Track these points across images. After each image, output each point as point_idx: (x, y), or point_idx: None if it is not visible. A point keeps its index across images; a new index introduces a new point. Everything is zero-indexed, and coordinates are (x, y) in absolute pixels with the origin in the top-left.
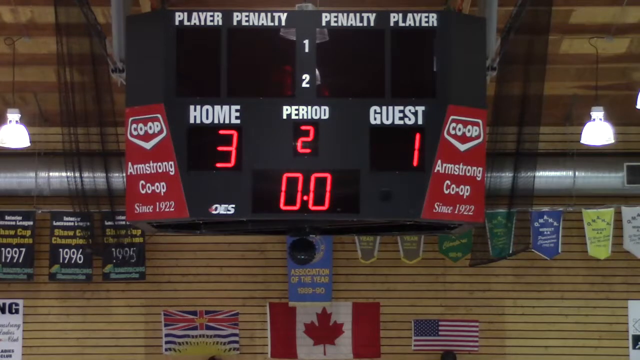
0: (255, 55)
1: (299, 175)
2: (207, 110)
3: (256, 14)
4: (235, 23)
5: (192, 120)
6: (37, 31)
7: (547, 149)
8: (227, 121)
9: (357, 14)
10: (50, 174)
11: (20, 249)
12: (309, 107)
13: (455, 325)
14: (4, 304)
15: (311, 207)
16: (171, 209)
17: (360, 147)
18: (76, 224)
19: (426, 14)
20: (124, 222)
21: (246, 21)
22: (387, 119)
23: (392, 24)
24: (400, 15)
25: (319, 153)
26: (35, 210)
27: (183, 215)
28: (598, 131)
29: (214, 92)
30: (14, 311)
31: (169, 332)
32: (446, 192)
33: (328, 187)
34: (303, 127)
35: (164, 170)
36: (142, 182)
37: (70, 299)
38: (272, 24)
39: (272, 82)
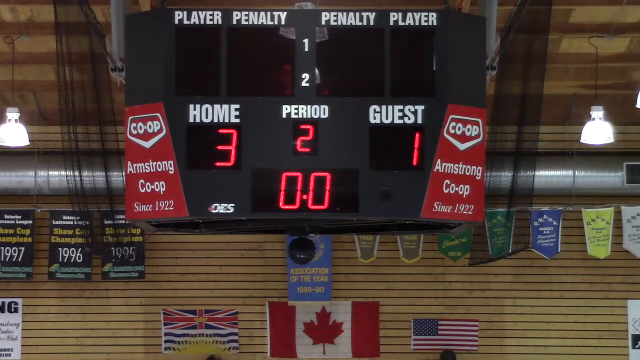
0: (255, 54)
1: (299, 175)
2: (206, 109)
3: (256, 13)
4: (234, 22)
5: (191, 119)
6: (37, 30)
7: (547, 148)
8: (226, 120)
9: (357, 13)
10: (50, 172)
11: (20, 247)
12: (309, 106)
13: (455, 325)
14: (3, 303)
15: (310, 206)
16: (170, 208)
17: (360, 146)
18: (75, 223)
19: (426, 13)
20: (123, 221)
21: (246, 20)
22: (387, 118)
23: (391, 23)
24: (400, 14)
25: (318, 152)
26: (35, 209)
27: (182, 214)
28: (598, 130)
29: (214, 91)
30: (13, 310)
31: (168, 331)
32: (446, 191)
33: (327, 186)
34: (302, 126)
35: (164, 169)
36: (141, 181)
37: (69, 298)
38: (271, 23)
39: (272, 81)
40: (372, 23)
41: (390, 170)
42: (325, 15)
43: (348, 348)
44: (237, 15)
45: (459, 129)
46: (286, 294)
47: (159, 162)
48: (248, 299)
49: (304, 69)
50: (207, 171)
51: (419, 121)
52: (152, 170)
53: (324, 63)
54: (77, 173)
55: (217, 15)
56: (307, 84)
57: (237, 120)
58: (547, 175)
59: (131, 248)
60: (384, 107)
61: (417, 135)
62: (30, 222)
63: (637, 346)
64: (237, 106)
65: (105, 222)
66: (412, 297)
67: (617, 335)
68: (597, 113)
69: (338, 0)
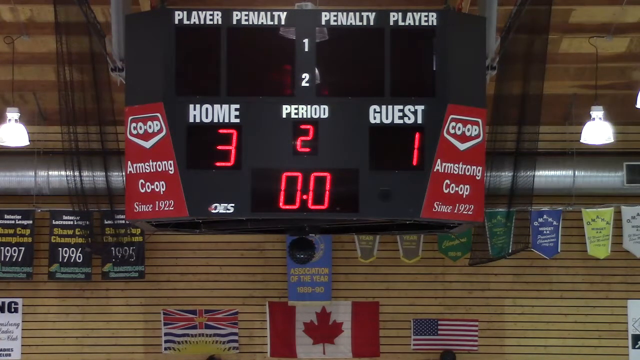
0: (255, 54)
1: (299, 175)
2: (206, 109)
3: (256, 13)
4: (234, 22)
5: (191, 119)
6: (37, 30)
7: (547, 148)
8: (226, 120)
9: (357, 13)
10: (50, 172)
11: (20, 247)
12: (309, 106)
13: (455, 325)
14: (3, 303)
15: (310, 206)
16: (170, 208)
17: (360, 146)
18: (75, 223)
19: (426, 13)
20: (123, 221)
21: (246, 20)
22: (387, 118)
23: (391, 23)
24: (400, 14)
25: (318, 152)
26: (35, 209)
27: (182, 214)
28: (598, 130)
29: (214, 91)
30: (13, 310)
31: (168, 331)
32: (446, 191)
33: (327, 186)
34: (302, 126)
35: (164, 169)
36: (141, 181)
37: (69, 298)
38: (271, 23)
39: (272, 81)
40: (372, 23)
41: (390, 170)
42: (325, 15)
43: (348, 348)
44: (237, 15)
45: (459, 129)
46: (286, 294)
47: (159, 162)
48: (248, 299)
49: (304, 69)
50: (207, 171)
51: (419, 121)
52: (152, 170)
53: (324, 63)
54: (77, 173)
55: (217, 15)
56: (307, 84)
57: (237, 120)
58: (547, 175)
59: (131, 248)
60: (384, 107)
61: (417, 135)
62: (30, 222)
63: (637, 346)
64: (237, 106)
65: (105, 222)
66: (412, 297)
67: (617, 335)
68: (597, 113)
69: (338, 0)
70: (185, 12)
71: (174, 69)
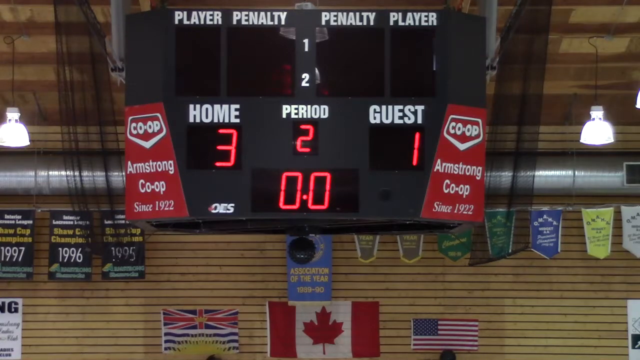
0: (255, 54)
1: (299, 175)
2: (206, 109)
3: (256, 13)
4: (234, 22)
5: (191, 119)
6: (37, 30)
7: (547, 148)
8: (226, 120)
9: (357, 13)
10: (50, 172)
11: (20, 247)
12: (309, 106)
13: (455, 325)
14: (3, 303)
15: (310, 206)
16: (170, 208)
17: (360, 146)
18: (75, 223)
19: (426, 13)
20: (123, 221)
21: (246, 20)
22: (387, 118)
23: (391, 23)
24: (400, 14)
25: (318, 152)
26: (35, 209)
27: (182, 214)
28: (598, 130)
29: (214, 91)
30: (13, 310)
31: (168, 331)
32: (446, 191)
33: (327, 186)
34: (302, 126)
35: (164, 169)
36: (141, 181)
37: (69, 298)
38: (271, 23)
39: (272, 81)
40: (372, 23)
41: (390, 170)
42: (325, 15)
43: (348, 348)
44: (237, 15)
45: (459, 129)
46: (286, 294)
47: (159, 162)
48: (248, 299)
49: (304, 69)
50: (207, 171)
51: (419, 121)
52: (152, 170)
53: (324, 63)
54: (77, 173)
55: (217, 15)
56: (307, 84)
57: (237, 120)
58: (547, 175)
59: (131, 248)
60: (384, 107)
61: (417, 135)
62: (30, 222)
63: (637, 346)
64: (237, 106)
65: (105, 222)
66: (412, 297)
67: (617, 335)
68: (597, 113)
69: (338, 0)
70: (185, 12)
71: (174, 69)
